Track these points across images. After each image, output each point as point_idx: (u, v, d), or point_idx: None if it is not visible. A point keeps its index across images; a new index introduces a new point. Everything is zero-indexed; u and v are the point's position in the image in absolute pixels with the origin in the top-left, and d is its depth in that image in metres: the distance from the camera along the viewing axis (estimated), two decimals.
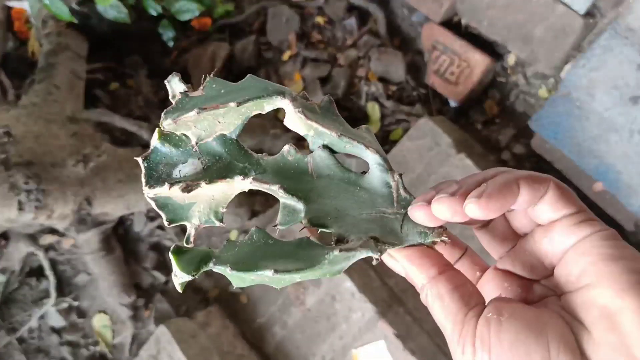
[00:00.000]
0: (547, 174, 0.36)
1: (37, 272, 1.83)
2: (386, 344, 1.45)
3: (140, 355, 1.63)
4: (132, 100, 1.96)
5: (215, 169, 0.41)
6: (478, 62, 1.76)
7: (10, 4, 1.94)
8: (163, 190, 0.39)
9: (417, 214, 0.37)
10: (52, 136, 1.56)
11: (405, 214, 0.39)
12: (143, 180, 0.40)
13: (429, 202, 0.36)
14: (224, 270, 0.37)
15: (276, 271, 0.36)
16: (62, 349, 1.77)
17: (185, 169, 0.41)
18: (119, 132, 1.78)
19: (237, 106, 0.38)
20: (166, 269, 1.85)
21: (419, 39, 1.96)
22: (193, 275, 0.37)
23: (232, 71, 2.12)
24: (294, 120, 0.40)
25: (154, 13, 1.73)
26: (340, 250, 0.37)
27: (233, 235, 1.81)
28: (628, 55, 1.49)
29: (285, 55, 2.06)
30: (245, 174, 0.40)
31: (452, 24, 1.85)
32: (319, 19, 2.08)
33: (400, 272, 0.39)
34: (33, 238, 1.75)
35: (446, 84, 1.84)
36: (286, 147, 0.42)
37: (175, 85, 0.42)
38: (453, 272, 0.37)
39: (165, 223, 0.41)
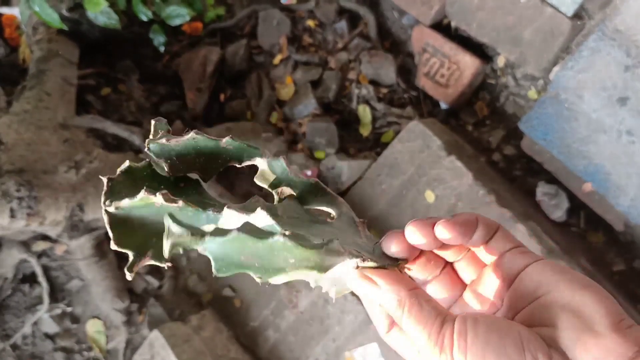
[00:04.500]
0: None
1: (30, 279, 1.83)
2: (379, 346, 1.45)
3: None
4: (124, 106, 1.96)
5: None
6: (468, 64, 1.77)
7: (1, 10, 1.94)
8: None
9: (390, 244, 0.41)
10: (43, 143, 1.56)
11: (375, 245, 0.42)
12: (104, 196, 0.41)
13: (403, 235, 0.41)
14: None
15: (286, 236, 0.37)
16: (56, 355, 1.77)
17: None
18: (111, 138, 1.78)
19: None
20: (159, 274, 1.85)
21: (410, 41, 1.97)
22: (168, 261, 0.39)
23: (224, 75, 2.12)
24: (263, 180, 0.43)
25: (144, 18, 1.73)
26: (339, 244, 0.39)
27: None
28: (616, 56, 1.50)
29: (277, 59, 2.07)
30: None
31: (442, 27, 1.86)
32: (310, 23, 2.09)
33: (374, 295, 0.40)
34: (26, 245, 1.75)
35: (437, 86, 1.85)
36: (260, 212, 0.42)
37: (159, 126, 0.44)
38: (423, 290, 0.41)
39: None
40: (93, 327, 1.79)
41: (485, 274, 0.42)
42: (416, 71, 1.91)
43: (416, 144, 1.65)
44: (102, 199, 0.40)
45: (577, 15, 1.59)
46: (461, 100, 1.84)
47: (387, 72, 1.94)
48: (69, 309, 1.82)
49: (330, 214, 0.45)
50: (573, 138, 1.57)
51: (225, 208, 0.40)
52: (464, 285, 0.44)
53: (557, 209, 1.61)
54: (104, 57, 2.05)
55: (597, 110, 1.53)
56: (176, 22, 1.80)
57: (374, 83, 1.96)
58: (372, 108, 1.91)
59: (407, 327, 0.38)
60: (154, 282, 1.83)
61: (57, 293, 1.83)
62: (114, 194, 0.40)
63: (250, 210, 0.40)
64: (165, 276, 1.84)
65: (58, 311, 1.80)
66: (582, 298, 0.35)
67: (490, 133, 1.81)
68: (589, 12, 1.59)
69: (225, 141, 0.43)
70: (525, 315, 0.38)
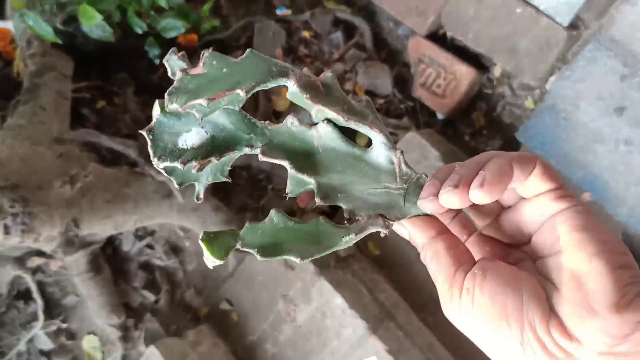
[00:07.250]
0: None
1: (25, 295, 1.81)
2: None
3: None
4: (120, 118, 1.95)
5: (222, 139, 0.43)
6: (464, 74, 1.77)
7: None
8: (174, 165, 0.42)
9: (428, 206, 0.41)
10: (38, 158, 1.55)
11: (407, 188, 0.43)
12: (151, 151, 0.42)
13: (436, 195, 0.40)
14: (253, 252, 0.41)
15: (302, 258, 0.41)
16: None
17: (190, 139, 0.42)
18: (106, 152, 1.77)
19: (245, 95, 0.39)
20: (155, 288, 1.83)
21: (406, 52, 1.97)
22: (224, 259, 0.40)
23: None
24: (298, 98, 0.42)
25: (139, 31, 1.72)
26: (356, 234, 0.41)
27: None
28: (612, 66, 1.50)
29: None
30: (251, 145, 0.43)
31: (437, 37, 1.86)
32: (306, 33, 2.09)
33: (404, 235, 0.44)
34: (20, 261, 1.73)
35: (433, 97, 1.85)
36: (290, 118, 0.44)
37: (174, 63, 0.43)
38: (449, 235, 0.42)
39: (176, 186, 0.44)
40: (89, 343, 1.77)
41: (519, 208, 0.41)
42: (412, 81, 1.91)
43: (413, 155, 1.64)
44: (151, 154, 0.42)
45: (573, 25, 1.59)
46: (458, 110, 1.84)
47: (383, 82, 1.93)
48: (64, 325, 1.80)
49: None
50: (571, 148, 1.56)
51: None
52: (501, 207, 0.44)
53: None
54: (99, 70, 2.04)
55: (595, 119, 1.52)
56: (171, 34, 1.79)
57: (370, 94, 1.96)
58: None
59: (430, 271, 0.41)
60: (150, 296, 1.81)
61: (52, 309, 1.81)
62: None
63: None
64: (161, 290, 1.82)
65: (53, 327, 1.78)
66: (590, 269, 0.35)
67: (487, 143, 1.81)
68: (585, 22, 1.59)
69: (245, 57, 0.42)
70: (543, 263, 0.39)
